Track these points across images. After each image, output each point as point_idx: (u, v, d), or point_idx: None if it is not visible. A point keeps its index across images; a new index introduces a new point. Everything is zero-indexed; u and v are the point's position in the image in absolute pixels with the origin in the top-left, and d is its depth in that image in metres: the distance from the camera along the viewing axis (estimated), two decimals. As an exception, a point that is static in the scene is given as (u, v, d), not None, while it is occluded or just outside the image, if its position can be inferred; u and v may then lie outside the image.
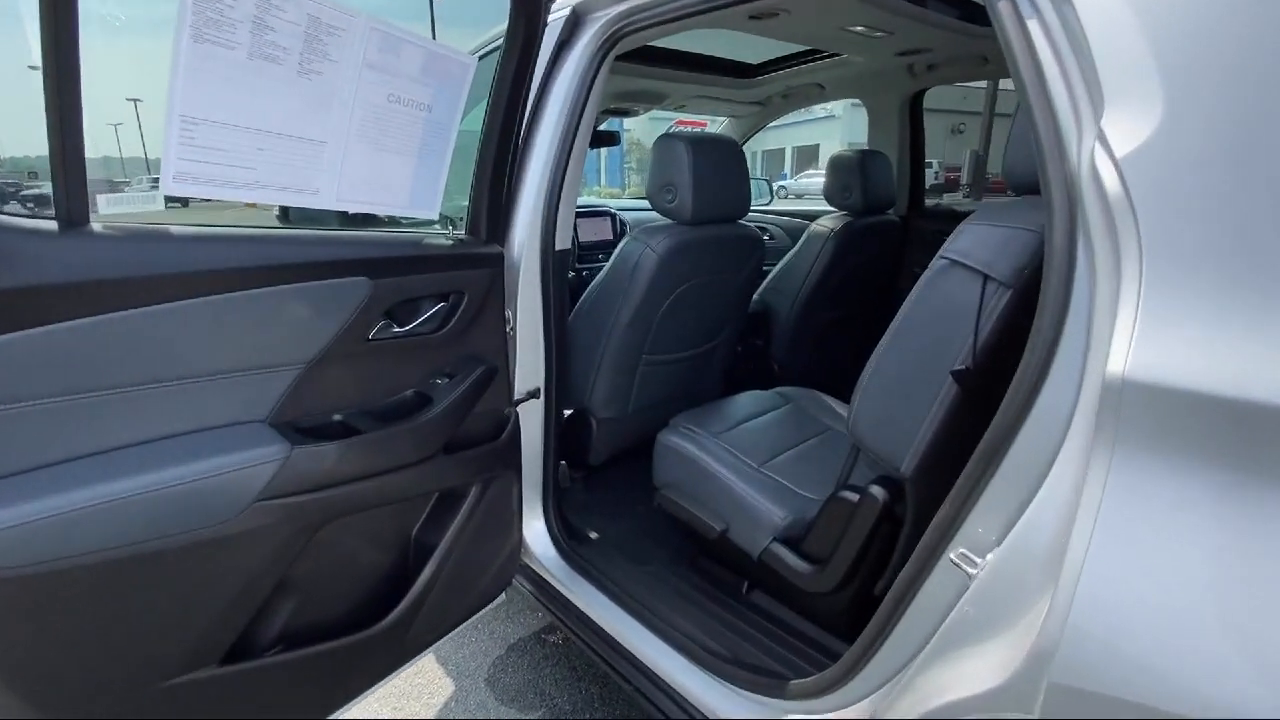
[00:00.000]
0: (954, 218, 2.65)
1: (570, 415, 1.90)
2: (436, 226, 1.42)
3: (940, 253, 1.01)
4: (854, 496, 1.22)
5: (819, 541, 1.31)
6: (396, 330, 1.18)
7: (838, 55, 2.31)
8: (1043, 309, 0.73)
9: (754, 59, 2.60)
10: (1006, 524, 0.76)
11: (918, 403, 1.05)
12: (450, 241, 1.29)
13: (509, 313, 1.44)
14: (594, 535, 1.84)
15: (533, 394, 1.56)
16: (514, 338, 1.48)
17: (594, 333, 1.75)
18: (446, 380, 1.25)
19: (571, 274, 2.15)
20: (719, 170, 1.65)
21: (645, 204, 3.36)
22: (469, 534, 1.35)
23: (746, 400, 1.84)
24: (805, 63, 2.44)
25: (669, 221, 1.70)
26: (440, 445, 1.21)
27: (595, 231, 2.77)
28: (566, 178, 1.48)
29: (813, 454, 1.59)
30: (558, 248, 1.52)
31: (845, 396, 3.10)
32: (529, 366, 1.55)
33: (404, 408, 1.20)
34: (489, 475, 1.37)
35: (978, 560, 0.78)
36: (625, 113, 2.78)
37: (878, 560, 1.25)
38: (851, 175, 2.31)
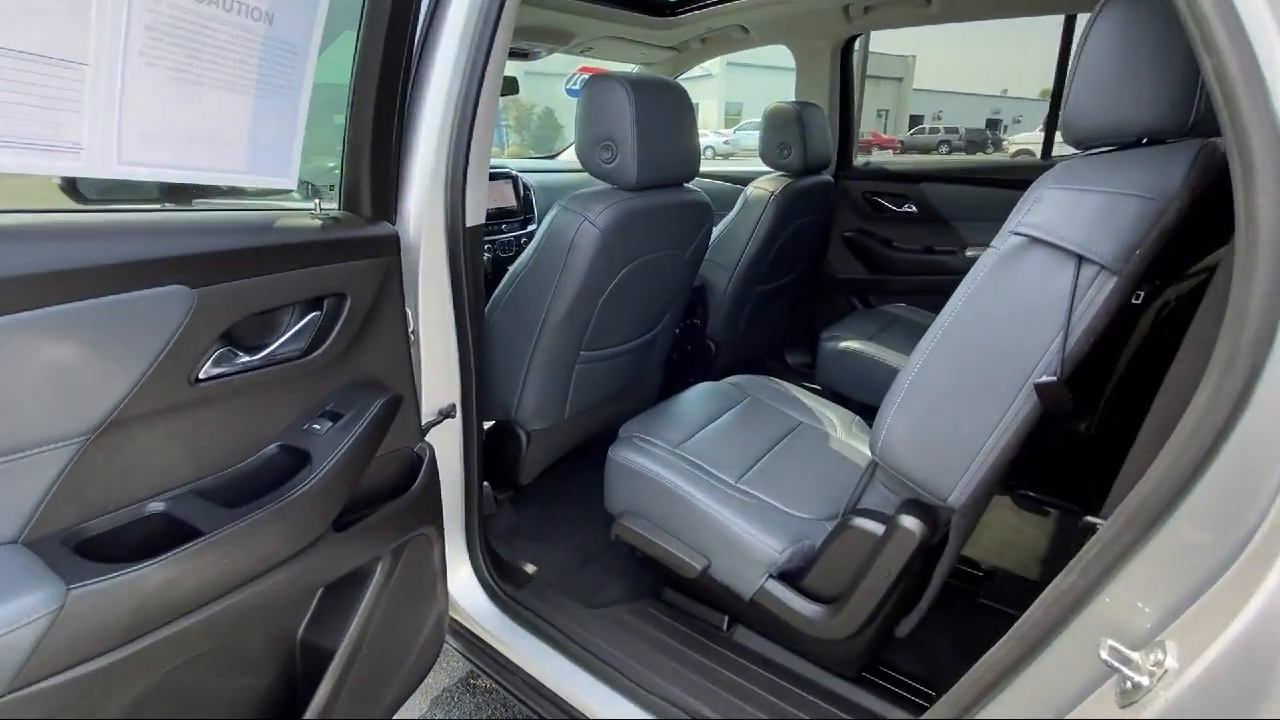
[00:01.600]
0: (888, 177, 2.51)
1: (493, 428, 1.55)
2: (296, 199, 1.00)
3: (1011, 227, 0.77)
4: (876, 528, 1.00)
5: (827, 577, 1.08)
6: (244, 361, 0.79)
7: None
8: (1241, 307, 0.51)
9: (671, -5, 2.27)
10: (1191, 609, 0.54)
11: (977, 422, 0.82)
12: (319, 222, 0.90)
13: (409, 312, 1.07)
14: (531, 569, 1.53)
15: (446, 413, 1.20)
16: (417, 344, 1.11)
17: (519, 329, 1.40)
18: (330, 424, 0.87)
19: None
20: (668, 121, 1.33)
21: (546, 164, 2.97)
22: (378, 621, 1.00)
23: (699, 397, 1.58)
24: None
25: (606, 187, 1.37)
26: (328, 522, 0.84)
27: (493, 198, 2.36)
28: (476, 128, 1.10)
29: (789, 459, 1.36)
30: (470, 223, 1.15)
31: (782, 369, 3.05)
32: (439, 379, 1.19)
33: (266, 474, 0.82)
34: (401, 541, 1.02)
35: (1143, 662, 0.56)
36: (524, 55, 2.36)
37: (903, 595, 1.04)
38: (790, 131, 2.08)
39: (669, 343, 1.83)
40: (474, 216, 1.16)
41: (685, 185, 1.50)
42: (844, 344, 1.98)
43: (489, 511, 1.60)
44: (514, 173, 2.43)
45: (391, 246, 0.96)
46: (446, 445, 1.24)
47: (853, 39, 2.35)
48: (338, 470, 0.83)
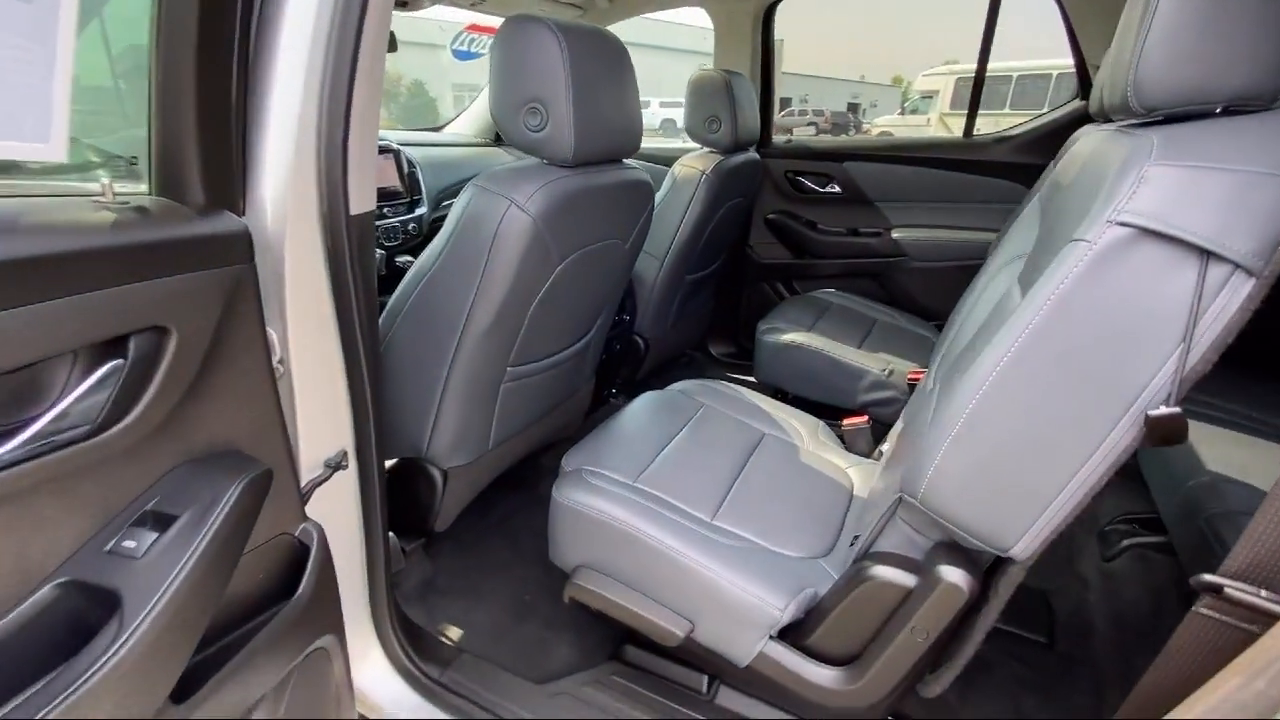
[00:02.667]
0: (811, 155, 2.38)
1: (398, 468, 1.24)
2: (72, 183, 0.64)
3: (1108, 214, 0.60)
4: (906, 579, 0.82)
5: (840, 635, 0.90)
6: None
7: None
8: None
9: (576, -59, 1.98)
10: None
11: (1059, 461, 0.66)
12: (113, 215, 0.56)
13: (271, 336, 0.75)
14: (456, 636, 1.24)
15: (336, 464, 0.89)
16: (287, 378, 0.79)
17: (428, 345, 1.10)
18: (155, 535, 0.55)
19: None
20: (609, 80, 1.07)
21: (431, 138, 2.57)
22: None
23: (647, 412, 1.35)
24: (646, -49, 1.89)
25: (533, 162, 1.09)
26: (160, 698, 0.53)
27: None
28: (359, 83, 0.78)
29: (763, 482, 1.17)
30: (356, 209, 0.83)
31: (708, 361, 2.86)
32: (323, 420, 0.87)
33: (37, 640, 0.49)
34: (287, 670, 0.71)
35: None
36: (404, 3, 1.97)
37: (933, 648, 0.88)
38: (719, 103, 1.87)
39: (602, 345, 1.59)
40: (361, 201, 0.84)
41: (624, 161, 1.25)
42: (786, 337, 1.83)
43: (397, 568, 1.29)
44: (394, 145, 2.05)
45: (241, 248, 0.64)
46: (338, 502, 0.93)
47: (775, 3, 2.17)
48: (171, 614, 0.52)
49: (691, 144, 2.05)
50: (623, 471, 1.12)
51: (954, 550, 0.80)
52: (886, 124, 15.97)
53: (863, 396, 1.74)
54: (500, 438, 1.29)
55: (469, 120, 2.49)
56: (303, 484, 0.82)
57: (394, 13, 2.06)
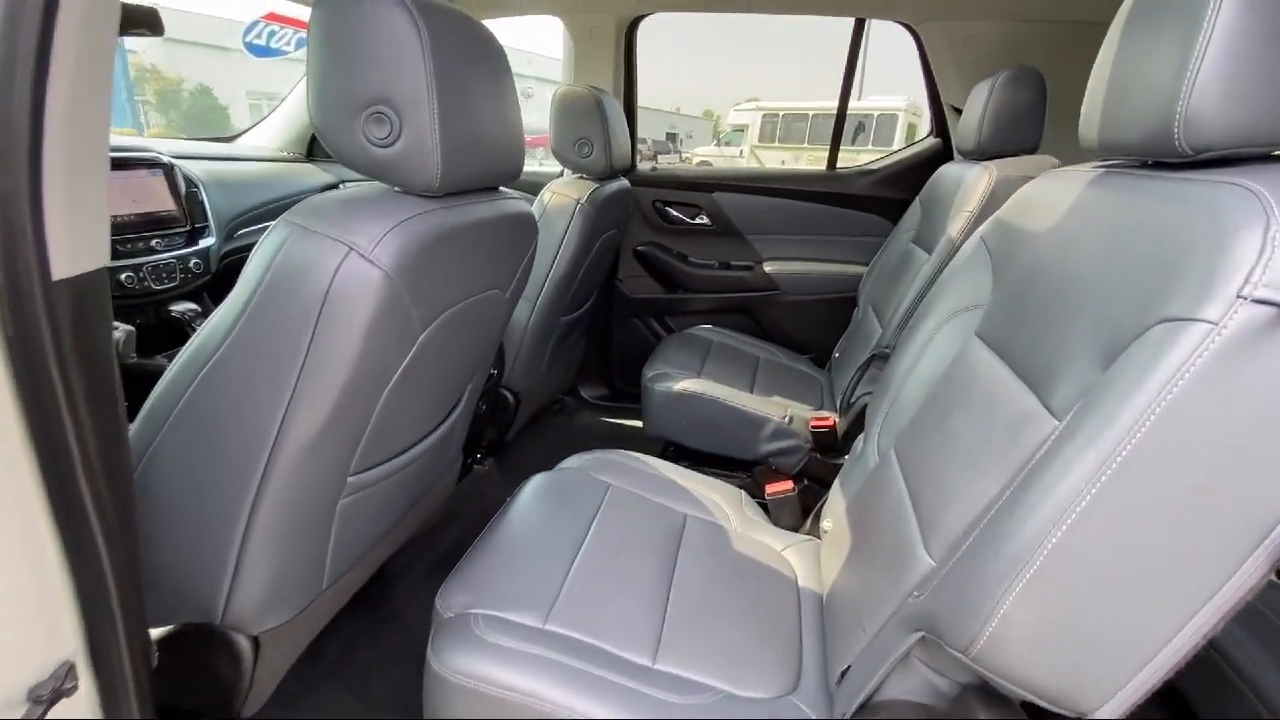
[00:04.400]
0: (679, 185, 2.24)
1: (176, 636, 0.82)
2: None
3: (1247, 292, 0.44)
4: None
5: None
6: None
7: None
8: None
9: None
10: None
11: (1173, 601, 0.50)
12: None
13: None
14: None
15: (54, 693, 0.51)
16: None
17: (217, 469, 0.72)
18: None
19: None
20: (484, 81, 0.79)
21: (221, 150, 2.03)
22: None
23: (542, 509, 1.06)
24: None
25: (381, 190, 0.76)
26: None
27: (130, 198, 1.48)
28: (58, 66, 0.43)
29: (701, 588, 0.94)
30: (63, 273, 0.46)
31: (579, 405, 2.54)
32: (19, 624, 0.49)
33: None
34: None
35: None
36: (168, -27, 1.49)
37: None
38: (590, 124, 1.64)
39: (471, 415, 1.26)
40: (76, 254, 0.48)
41: (500, 189, 0.96)
42: (678, 386, 1.64)
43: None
44: (165, 159, 1.56)
45: None
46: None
47: (640, 18, 2.00)
48: None
49: (547, 168, 1.80)
50: (526, 609, 0.82)
51: (991, 697, 0.63)
52: (704, 154, 16.99)
53: (764, 446, 1.59)
54: (339, 570, 0.93)
55: (271, 131, 2.01)
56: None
57: (169, 4, 1.55)
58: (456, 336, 0.91)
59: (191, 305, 1.56)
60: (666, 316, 2.33)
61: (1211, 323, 0.46)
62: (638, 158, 2.24)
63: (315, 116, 0.71)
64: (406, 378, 0.81)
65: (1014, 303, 0.80)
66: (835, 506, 1.08)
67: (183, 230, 1.58)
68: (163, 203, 1.54)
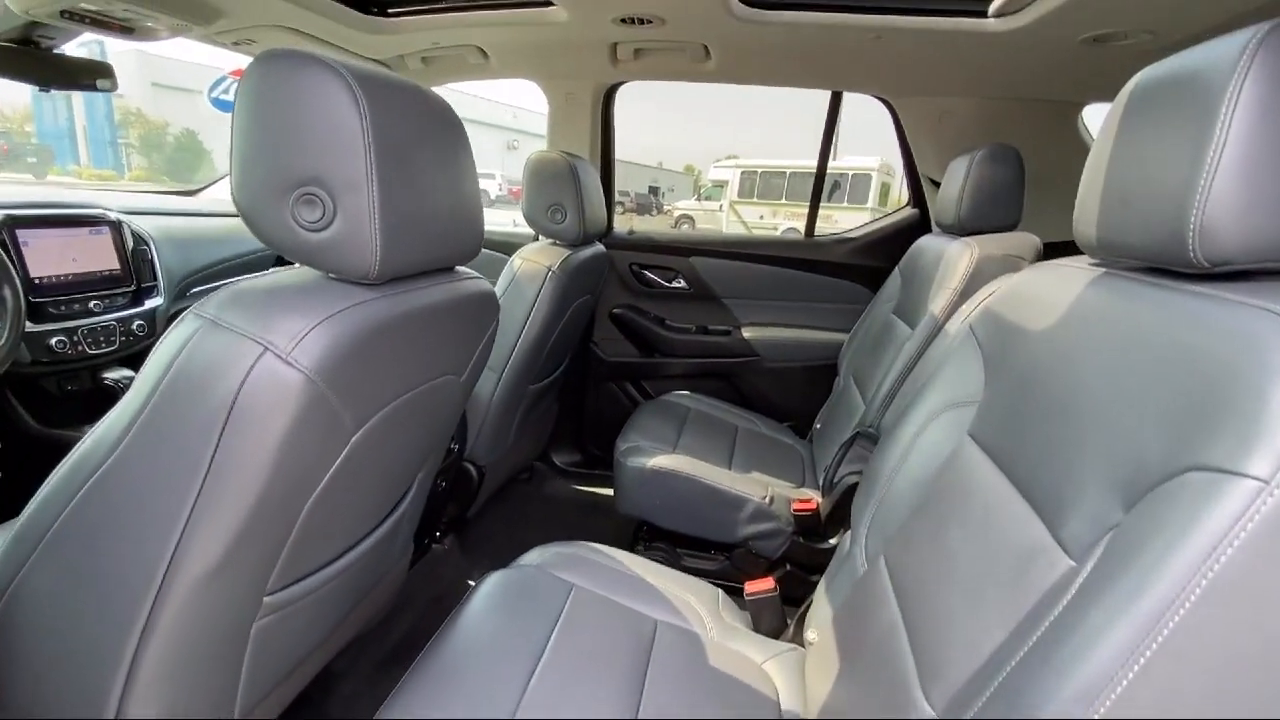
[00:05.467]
0: (656, 248, 2.20)
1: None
2: None
3: None
4: None
5: None
6: None
7: (520, 3, 1.54)
8: None
9: (384, -12, 1.63)
10: None
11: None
12: None
13: None
14: None
15: None
16: None
17: (96, 599, 0.61)
18: None
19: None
20: (434, 151, 0.72)
21: (179, 205, 1.95)
22: None
23: (496, 616, 0.95)
24: (472, 8, 1.60)
25: (312, 277, 0.68)
26: None
27: (69, 257, 1.39)
28: None
29: (674, 709, 0.83)
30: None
31: (550, 472, 2.40)
32: None
33: None
34: None
35: None
36: (128, 29, 1.43)
37: None
38: (563, 189, 1.60)
39: (424, 502, 1.15)
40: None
41: (459, 269, 0.89)
42: (652, 462, 1.54)
43: None
44: (113, 215, 1.48)
45: None
46: None
47: (618, 85, 2.00)
48: None
49: (523, 227, 1.75)
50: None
51: None
52: (685, 207, 17.38)
53: (744, 529, 1.50)
54: (256, 698, 0.80)
55: (235, 185, 1.93)
56: None
57: (137, 47, 1.51)
58: (402, 428, 0.81)
59: (127, 372, 1.45)
60: (643, 380, 2.25)
61: (1261, 480, 0.39)
62: (619, 210, 2.20)
63: (237, 196, 0.63)
64: (338, 481, 0.71)
65: (1011, 406, 0.73)
66: (820, 614, 0.98)
67: (127, 290, 1.49)
68: (106, 261, 1.45)
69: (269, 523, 0.64)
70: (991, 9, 1.32)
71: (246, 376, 0.57)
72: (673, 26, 1.52)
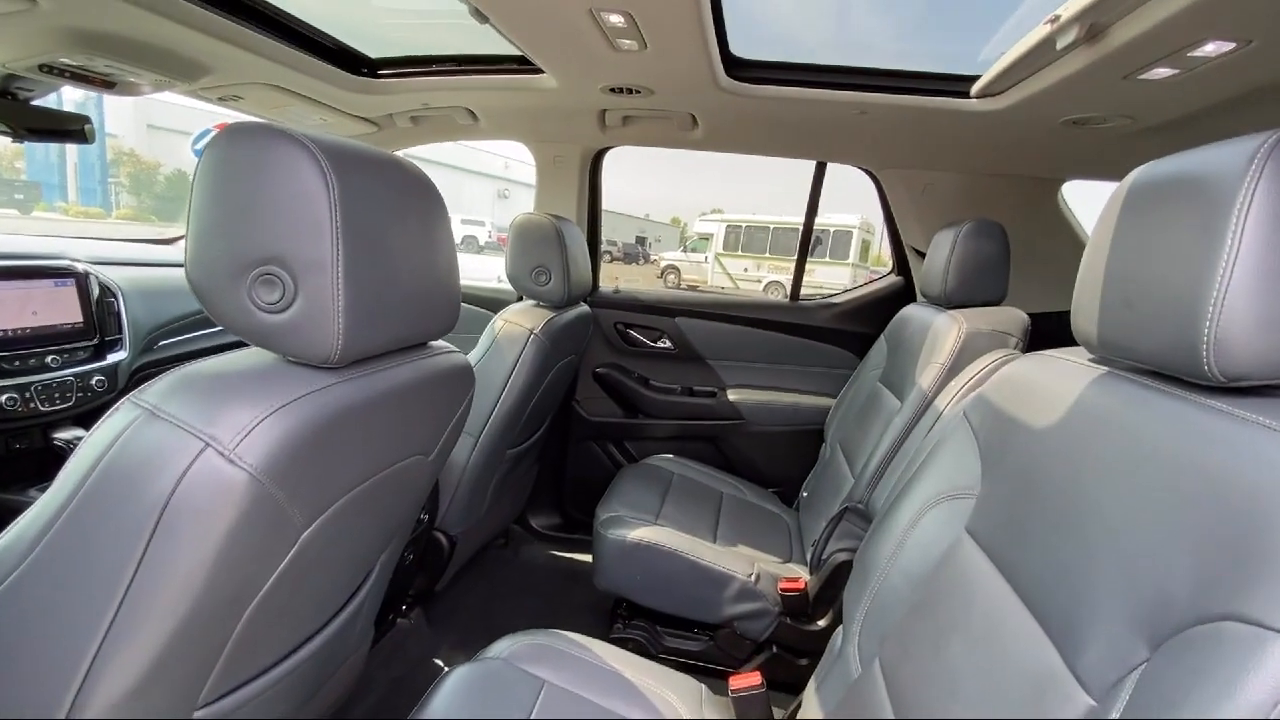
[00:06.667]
0: (642, 308, 2.18)
1: None
2: None
3: None
4: None
5: None
6: None
7: (510, 70, 1.55)
8: None
9: (375, 51, 1.65)
10: None
11: None
12: None
13: None
14: None
15: None
16: None
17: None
18: None
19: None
20: (408, 227, 0.69)
21: (150, 255, 1.89)
22: None
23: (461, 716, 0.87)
24: (462, 73, 1.61)
25: (273, 361, 0.64)
26: None
27: (35, 311, 1.33)
28: None
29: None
30: None
31: (527, 535, 2.29)
32: None
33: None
34: None
35: None
36: (108, 84, 1.41)
37: None
38: (548, 253, 1.57)
39: (387, 583, 1.08)
40: None
41: (431, 344, 0.85)
42: (633, 535, 1.48)
43: None
44: (79, 267, 1.43)
45: None
46: None
47: (602, 152, 2.01)
48: None
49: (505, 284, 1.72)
50: None
51: None
52: (672, 258, 17.67)
53: (728, 609, 1.42)
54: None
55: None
56: None
57: (125, 97, 1.50)
58: (362, 516, 0.75)
59: (79, 432, 1.37)
60: (626, 441, 2.19)
61: None
62: (605, 258, 2.19)
63: (191, 272, 0.59)
64: (284, 582, 0.65)
65: (1011, 507, 0.69)
66: (812, 718, 0.91)
67: (89, 344, 1.43)
68: (67, 314, 1.40)
69: (201, 634, 0.58)
70: (974, 90, 1.35)
71: (184, 475, 0.51)
72: (661, 97, 1.54)
